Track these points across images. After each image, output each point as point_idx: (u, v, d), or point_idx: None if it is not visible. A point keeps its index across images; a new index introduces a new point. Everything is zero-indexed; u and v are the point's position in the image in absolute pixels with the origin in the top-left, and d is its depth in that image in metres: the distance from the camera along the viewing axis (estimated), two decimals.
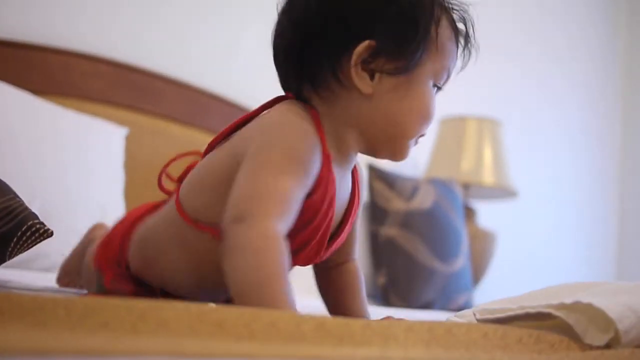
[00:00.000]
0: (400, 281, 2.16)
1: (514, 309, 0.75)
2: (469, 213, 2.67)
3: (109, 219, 1.72)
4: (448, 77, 0.94)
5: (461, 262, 2.28)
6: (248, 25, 2.51)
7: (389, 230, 2.18)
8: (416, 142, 0.95)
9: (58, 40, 1.98)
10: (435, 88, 0.93)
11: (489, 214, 2.92)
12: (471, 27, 0.94)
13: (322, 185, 0.82)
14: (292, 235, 0.77)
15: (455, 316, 0.82)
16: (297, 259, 0.85)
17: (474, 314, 0.79)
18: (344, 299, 0.97)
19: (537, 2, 3.47)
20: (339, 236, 0.89)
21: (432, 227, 2.23)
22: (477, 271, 2.55)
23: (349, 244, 0.96)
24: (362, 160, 2.23)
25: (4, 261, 0.85)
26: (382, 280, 2.17)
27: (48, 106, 1.72)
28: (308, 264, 0.92)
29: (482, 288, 2.67)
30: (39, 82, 1.89)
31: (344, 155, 0.87)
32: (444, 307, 2.17)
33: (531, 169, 3.26)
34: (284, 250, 0.73)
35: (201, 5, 2.39)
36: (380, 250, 2.19)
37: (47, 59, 1.94)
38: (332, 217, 0.84)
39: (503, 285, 2.71)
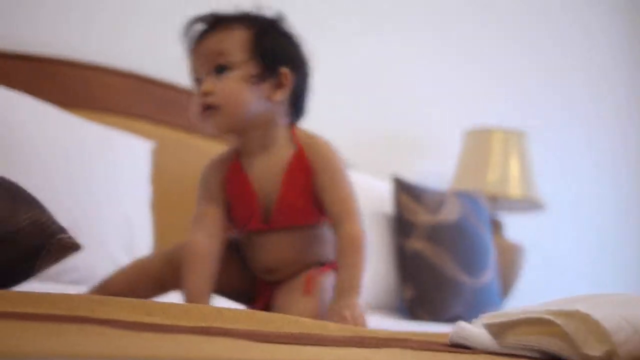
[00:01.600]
0: (427, 295, 2.14)
1: (516, 314, 0.76)
2: (496, 226, 2.64)
3: (136, 232, 1.74)
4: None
5: (489, 275, 2.25)
6: None
7: (416, 244, 2.17)
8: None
9: (83, 55, 2.01)
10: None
11: (516, 227, 2.89)
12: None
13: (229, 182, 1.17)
14: (235, 217, 1.17)
15: (463, 324, 0.83)
16: (250, 226, 1.17)
17: (482, 321, 0.81)
18: (337, 263, 1.15)
19: (562, 12, 3.44)
20: (281, 202, 1.14)
21: (459, 240, 2.21)
22: (506, 284, 2.52)
23: (331, 208, 1.15)
24: (388, 174, 2.21)
25: (34, 274, 0.86)
26: (408, 293, 2.15)
27: (74, 120, 1.74)
28: (259, 228, 1.17)
29: (511, 301, 2.64)
30: (64, 95, 1.91)
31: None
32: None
33: (558, 180, 3.22)
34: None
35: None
36: (406, 263, 2.18)
37: (73, 73, 1.97)
38: (252, 192, 1.15)
39: (532, 299, 2.67)
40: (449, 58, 3.11)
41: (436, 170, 3.01)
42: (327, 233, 1.20)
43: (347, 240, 1.14)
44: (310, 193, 1.15)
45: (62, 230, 0.86)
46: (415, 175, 2.79)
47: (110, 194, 1.68)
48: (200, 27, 1.16)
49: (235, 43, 1.12)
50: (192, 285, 1.12)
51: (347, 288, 1.09)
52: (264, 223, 1.16)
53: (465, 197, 2.35)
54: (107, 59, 2.06)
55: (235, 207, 1.18)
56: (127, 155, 1.81)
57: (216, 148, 2.14)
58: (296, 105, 1.19)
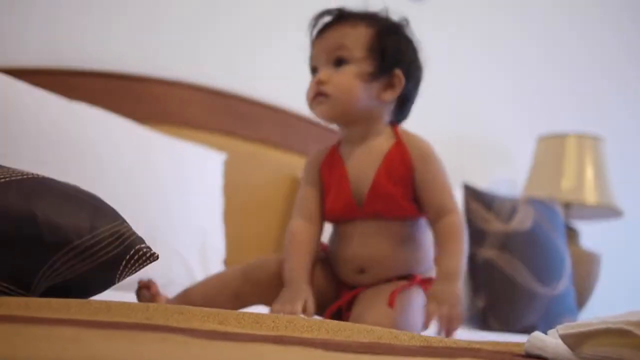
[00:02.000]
0: (500, 304, 2.11)
1: (594, 324, 0.73)
2: (571, 234, 2.57)
3: (209, 242, 1.77)
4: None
5: (564, 284, 2.20)
6: None
7: (488, 252, 2.14)
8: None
9: (158, 71, 2.07)
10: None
11: (592, 235, 2.81)
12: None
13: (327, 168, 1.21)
14: (329, 206, 1.19)
15: (539, 334, 0.81)
16: (343, 213, 1.18)
17: (557, 331, 0.78)
18: (437, 252, 1.16)
19: (632, 17, 3.34)
20: (375, 187, 1.14)
21: (533, 248, 2.17)
22: (582, 294, 2.45)
23: (431, 202, 1.15)
24: (459, 181, 2.19)
25: (114, 283, 0.89)
26: (480, 303, 2.12)
27: (149, 134, 1.79)
28: (352, 215, 1.18)
29: (587, 311, 2.57)
30: (140, 110, 1.97)
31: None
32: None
33: (636, 186, 3.12)
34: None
35: (293, 33, 2.43)
36: (478, 272, 2.15)
37: (148, 88, 2.03)
38: (346, 177, 1.17)
39: (609, 309, 2.59)
40: (521, 62, 3.06)
41: (508, 177, 2.96)
42: (423, 237, 1.19)
43: (448, 230, 1.14)
44: (408, 186, 1.15)
45: (140, 240, 0.89)
46: (486, 182, 2.75)
47: (185, 206, 1.72)
48: (326, 19, 1.20)
49: (356, 39, 1.16)
50: (291, 270, 1.15)
51: (448, 274, 1.09)
52: (356, 208, 1.16)
53: (539, 204, 2.31)
54: (181, 74, 2.12)
55: (329, 194, 1.20)
56: (201, 168, 1.85)
57: (285, 159, 2.18)
58: (402, 107, 1.22)
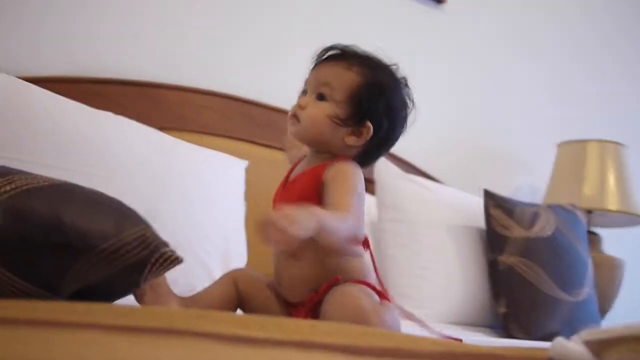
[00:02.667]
0: (521, 311, 2.09)
1: (619, 330, 0.72)
2: (594, 239, 2.56)
3: (231, 248, 1.78)
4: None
5: (586, 291, 2.18)
6: None
7: (509, 259, 2.12)
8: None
9: (177, 79, 2.09)
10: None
11: (614, 241, 2.78)
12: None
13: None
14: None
15: (562, 340, 0.80)
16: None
17: (581, 337, 0.77)
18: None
19: None
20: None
21: (554, 255, 2.15)
22: (604, 301, 2.43)
23: (327, 201, 1.15)
24: (479, 188, 2.18)
25: (139, 286, 0.91)
26: (502, 309, 2.11)
27: (172, 141, 1.81)
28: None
29: (610, 318, 2.55)
30: (161, 117, 1.99)
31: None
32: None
33: None
34: None
35: (312, 42, 2.44)
36: (499, 279, 2.14)
37: (168, 96, 2.05)
38: (276, 193, 1.26)
39: (632, 315, 2.57)
40: (541, 69, 3.05)
41: (529, 184, 2.95)
42: (351, 261, 1.19)
43: (339, 213, 1.11)
44: (314, 203, 1.13)
45: (165, 244, 0.90)
46: (507, 189, 2.74)
47: (208, 212, 1.73)
48: (330, 52, 1.25)
49: (342, 82, 1.20)
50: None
51: (315, 209, 1.04)
52: None
53: (561, 210, 2.29)
54: (202, 82, 2.14)
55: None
56: (224, 175, 1.87)
57: None
58: (366, 155, 1.25)
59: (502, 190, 2.42)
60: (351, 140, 1.20)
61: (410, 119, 1.27)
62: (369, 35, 2.54)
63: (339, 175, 1.17)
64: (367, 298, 1.09)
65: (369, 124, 1.19)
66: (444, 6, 2.77)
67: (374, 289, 1.17)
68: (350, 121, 1.19)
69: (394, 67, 1.25)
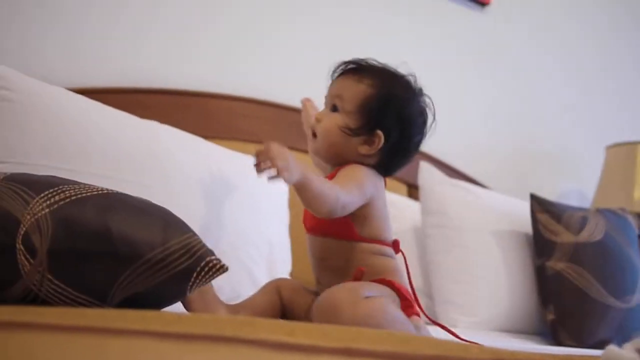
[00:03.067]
0: (571, 318, 2.05)
1: None
2: None
3: (276, 255, 1.79)
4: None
5: (638, 297, 2.13)
6: (404, 65, 2.53)
7: (557, 264, 2.09)
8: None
9: (222, 87, 2.12)
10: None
11: None
12: None
13: None
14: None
15: (614, 348, 0.79)
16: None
17: (634, 345, 0.76)
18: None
19: None
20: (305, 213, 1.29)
21: (604, 260, 2.10)
22: None
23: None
24: (527, 192, 2.14)
25: (186, 294, 0.92)
26: (550, 316, 2.07)
27: (217, 148, 1.83)
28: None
29: None
30: (206, 126, 2.02)
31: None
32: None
33: None
34: None
35: (355, 49, 2.45)
36: (547, 285, 2.10)
37: (213, 104, 2.07)
38: None
39: None
40: (589, 70, 3.00)
41: (577, 188, 2.89)
42: (380, 260, 1.23)
43: (330, 185, 1.17)
44: None
45: (210, 253, 0.91)
46: (554, 193, 2.70)
47: (253, 219, 1.74)
48: (345, 66, 1.30)
49: (353, 94, 1.25)
50: None
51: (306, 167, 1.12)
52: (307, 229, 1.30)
53: (610, 214, 2.24)
54: (245, 90, 2.16)
55: None
56: (267, 182, 1.88)
57: None
58: (385, 164, 1.28)
59: (549, 194, 2.38)
60: (364, 150, 1.25)
61: (429, 127, 1.29)
62: (410, 40, 2.54)
63: (344, 170, 1.23)
64: (346, 293, 1.09)
65: (380, 132, 1.23)
66: (487, 8, 2.74)
67: (398, 289, 1.17)
68: (361, 130, 1.24)
69: (410, 78, 1.28)
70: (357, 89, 1.24)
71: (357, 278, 1.19)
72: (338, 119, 1.24)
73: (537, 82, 2.88)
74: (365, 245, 1.23)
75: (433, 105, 1.29)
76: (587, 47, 3.01)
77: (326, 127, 1.26)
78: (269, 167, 1.07)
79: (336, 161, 1.28)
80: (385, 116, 1.23)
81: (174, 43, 2.10)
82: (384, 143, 1.24)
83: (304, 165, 1.10)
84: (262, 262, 1.73)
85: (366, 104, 1.24)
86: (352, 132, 1.24)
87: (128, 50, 2.02)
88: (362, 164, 1.26)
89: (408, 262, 1.27)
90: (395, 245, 1.26)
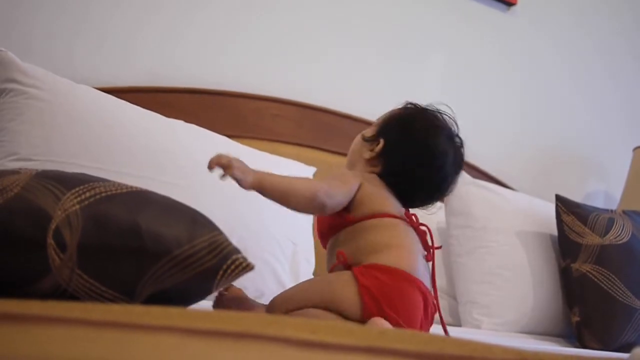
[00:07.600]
0: (596, 320, 2.04)
1: None
2: None
3: (300, 255, 1.80)
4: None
5: None
6: (431, 65, 2.53)
7: (583, 266, 2.07)
8: None
9: (247, 87, 2.13)
10: None
11: None
12: None
13: None
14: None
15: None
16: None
17: None
18: None
19: None
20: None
21: (631, 262, 2.08)
22: None
23: None
24: (552, 194, 2.13)
25: (211, 292, 0.92)
26: (575, 318, 2.06)
27: (242, 148, 1.84)
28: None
29: None
30: (234, 126, 2.03)
31: None
32: None
33: None
34: None
35: (381, 47, 2.45)
36: (572, 287, 2.09)
37: (241, 104, 2.09)
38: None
39: None
40: (614, 72, 2.97)
41: (603, 190, 2.87)
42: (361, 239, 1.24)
43: (304, 179, 1.32)
44: (330, 220, 1.30)
45: (236, 251, 0.92)
46: (580, 195, 2.68)
47: (277, 218, 1.75)
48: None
49: (384, 117, 1.40)
50: None
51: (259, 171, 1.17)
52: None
53: (637, 216, 2.22)
54: (271, 90, 2.17)
55: None
56: None
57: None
58: (389, 174, 1.33)
59: (574, 196, 2.36)
60: (366, 153, 1.35)
61: (446, 168, 1.32)
62: (439, 42, 2.53)
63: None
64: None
65: (382, 139, 1.34)
66: (514, 9, 2.73)
67: (386, 270, 1.15)
68: (371, 137, 1.36)
69: (447, 118, 1.34)
70: (389, 114, 1.39)
71: (341, 262, 1.21)
72: (364, 131, 1.39)
73: (563, 83, 2.86)
74: (359, 225, 1.25)
75: (459, 148, 1.34)
76: (615, 48, 2.98)
77: (356, 140, 1.39)
78: (222, 165, 1.13)
79: (352, 164, 1.39)
80: (393, 130, 1.35)
81: (202, 43, 2.12)
82: (384, 147, 1.33)
83: (262, 171, 1.18)
84: (285, 261, 1.74)
85: (387, 122, 1.37)
86: (365, 138, 1.37)
87: (156, 50, 2.04)
88: (363, 168, 1.35)
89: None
90: (405, 215, 1.28)
